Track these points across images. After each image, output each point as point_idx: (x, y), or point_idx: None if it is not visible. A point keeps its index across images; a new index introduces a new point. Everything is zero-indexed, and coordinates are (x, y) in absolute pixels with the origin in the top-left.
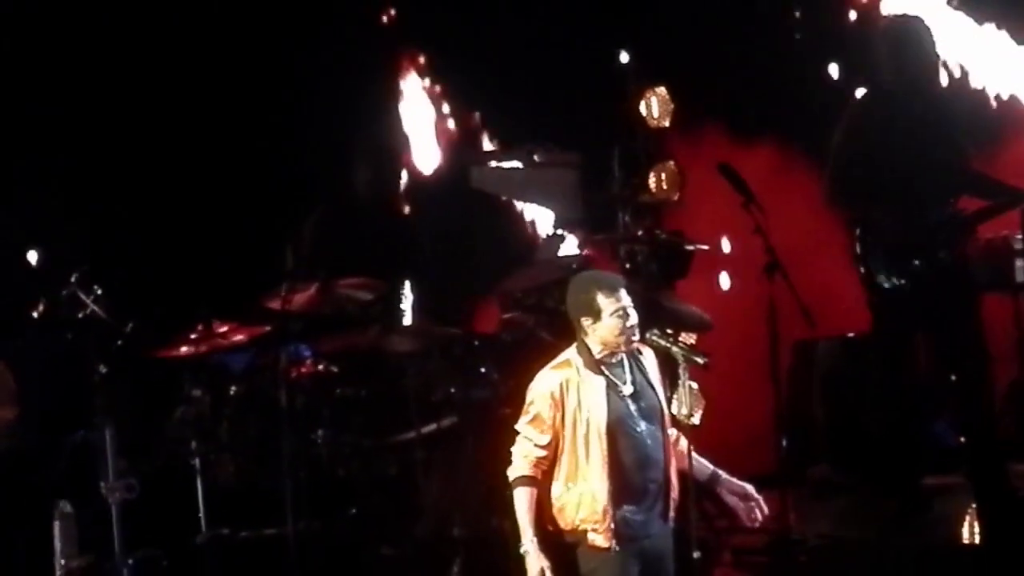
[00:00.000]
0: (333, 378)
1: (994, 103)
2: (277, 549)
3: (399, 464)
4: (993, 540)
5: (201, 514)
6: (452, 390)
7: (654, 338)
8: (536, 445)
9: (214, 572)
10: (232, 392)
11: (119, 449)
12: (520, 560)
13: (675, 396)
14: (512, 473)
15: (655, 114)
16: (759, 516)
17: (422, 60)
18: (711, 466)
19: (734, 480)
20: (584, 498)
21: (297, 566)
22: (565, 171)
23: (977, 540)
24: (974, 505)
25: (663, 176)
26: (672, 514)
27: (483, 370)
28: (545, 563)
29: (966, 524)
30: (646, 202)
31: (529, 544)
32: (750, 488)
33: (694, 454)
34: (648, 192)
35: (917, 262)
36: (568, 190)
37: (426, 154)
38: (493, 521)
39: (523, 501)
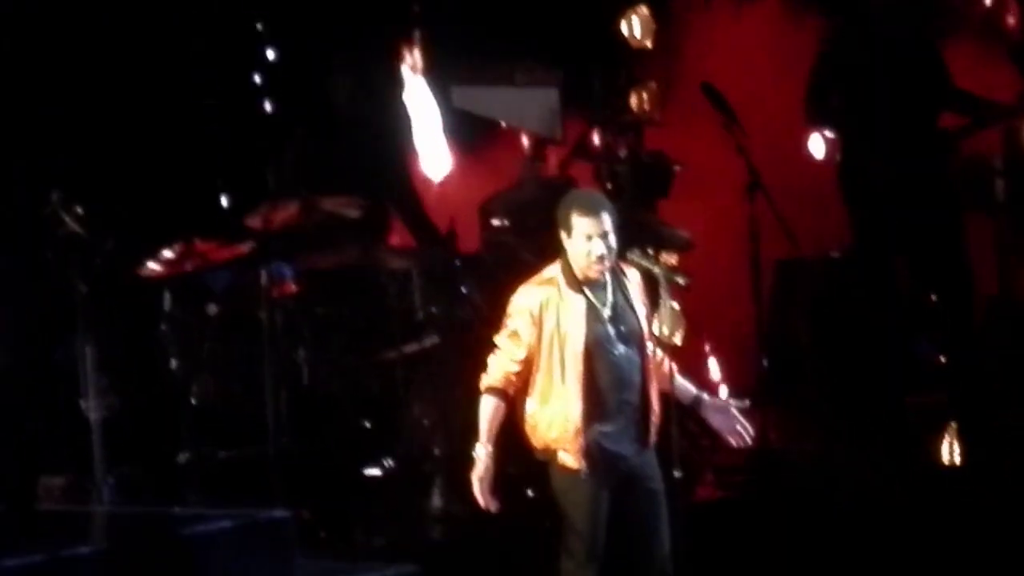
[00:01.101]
0: (315, 297)
1: None
2: (258, 468)
3: (381, 383)
4: (973, 460)
5: (181, 433)
6: (434, 310)
7: (635, 258)
8: (511, 360)
9: (195, 491)
10: (213, 311)
11: (99, 367)
12: (502, 477)
13: (656, 316)
14: (484, 381)
15: (637, 34)
16: (744, 435)
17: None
18: (694, 387)
19: (717, 399)
20: (557, 417)
21: (278, 485)
22: (546, 91)
23: (957, 460)
24: (954, 424)
25: (644, 96)
26: (652, 439)
27: (465, 290)
28: (483, 471)
29: (946, 444)
30: (628, 122)
31: (480, 449)
32: (734, 408)
33: (677, 375)
34: (629, 112)
35: (899, 182)
36: (549, 110)
37: (436, 159)
38: (475, 440)
39: (487, 409)
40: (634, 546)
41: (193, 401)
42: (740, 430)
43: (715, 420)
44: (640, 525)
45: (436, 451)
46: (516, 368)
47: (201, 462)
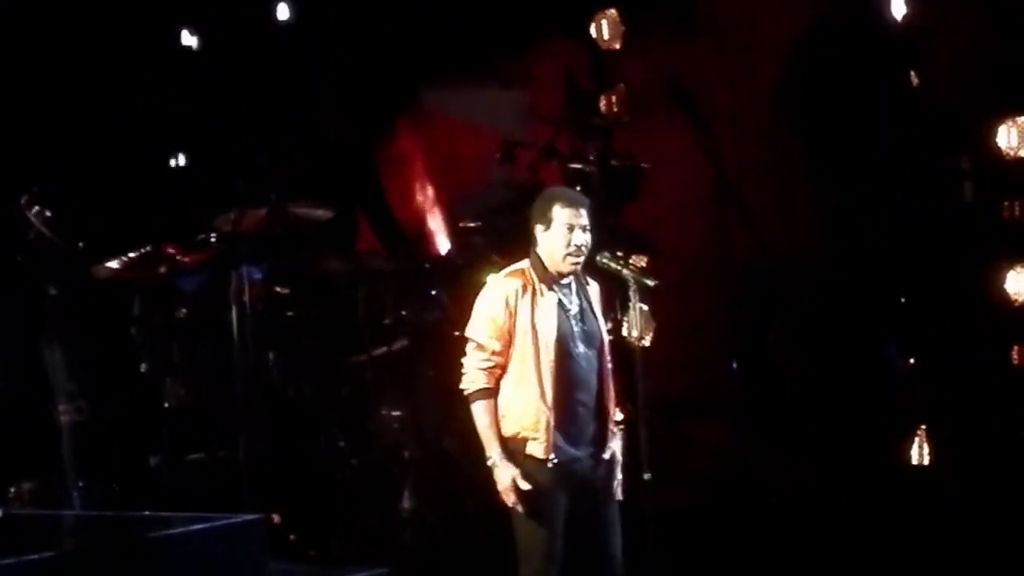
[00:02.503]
0: (284, 300)
1: None
2: (229, 472)
3: (351, 386)
4: (942, 462)
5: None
6: (403, 313)
7: (605, 260)
8: (492, 352)
9: (166, 494)
10: (182, 314)
11: (69, 371)
12: (472, 479)
13: (626, 318)
14: (469, 386)
15: (606, 36)
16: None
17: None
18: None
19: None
20: (528, 407)
21: (249, 489)
22: (516, 93)
23: (926, 462)
24: (924, 427)
25: (613, 98)
26: (608, 445)
27: (434, 293)
28: (515, 471)
29: (915, 446)
30: (597, 124)
31: (496, 456)
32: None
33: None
34: (599, 114)
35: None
36: (519, 111)
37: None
38: (445, 442)
39: (486, 414)
40: (586, 551)
41: (165, 404)
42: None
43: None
44: (593, 530)
45: (406, 453)
46: (497, 359)
47: (172, 466)
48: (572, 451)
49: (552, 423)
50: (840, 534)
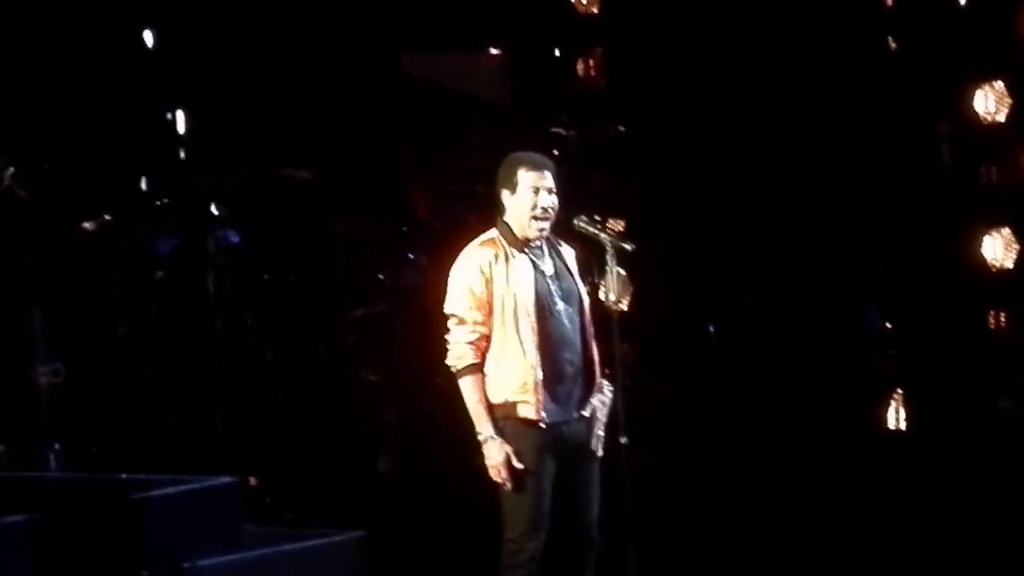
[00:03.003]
0: (262, 263)
1: None
2: (206, 434)
3: (328, 349)
4: (918, 426)
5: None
6: (381, 276)
7: (582, 224)
8: (474, 323)
9: (142, 457)
10: (159, 277)
11: (46, 334)
12: (451, 442)
13: (603, 283)
14: (456, 363)
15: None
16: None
17: None
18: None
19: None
20: (514, 371)
21: (225, 451)
22: (494, 56)
23: (902, 426)
24: (900, 391)
25: (591, 62)
26: (592, 399)
27: (412, 256)
28: (508, 448)
29: (891, 410)
30: (575, 88)
31: (488, 432)
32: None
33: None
34: (576, 79)
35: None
36: (498, 75)
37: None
38: (423, 405)
39: (475, 389)
40: (565, 512)
41: (141, 367)
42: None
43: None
44: (573, 491)
45: (384, 416)
46: (482, 331)
47: (148, 428)
48: (561, 411)
49: (540, 384)
50: (816, 497)
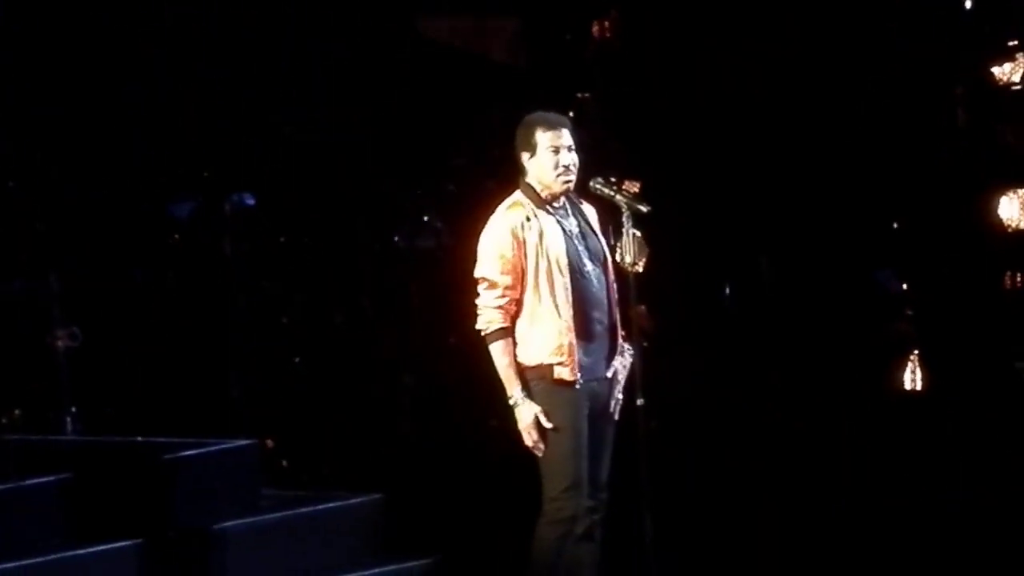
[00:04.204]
0: (278, 226)
1: None
2: (223, 398)
3: (345, 313)
4: (935, 387)
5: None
6: (396, 239)
7: (598, 186)
8: (506, 288)
9: (159, 422)
10: (175, 240)
11: (63, 298)
12: (472, 404)
13: (619, 245)
14: (487, 327)
15: None
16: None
17: None
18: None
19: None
20: (550, 333)
21: (243, 415)
22: (508, 19)
23: (919, 387)
24: (917, 352)
25: (606, 24)
26: (613, 362)
27: (426, 219)
28: (537, 409)
29: (908, 371)
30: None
31: (518, 395)
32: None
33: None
34: (592, 41)
35: None
36: (512, 38)
37: None
38: (440, 367)
39: (505, 353)
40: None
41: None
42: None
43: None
44: (594, 452)
45: (404, 379)
46: (512, 295)
47: (164, 391)
48: (592, 370)
49: (576, 344)
50: (833, 459)
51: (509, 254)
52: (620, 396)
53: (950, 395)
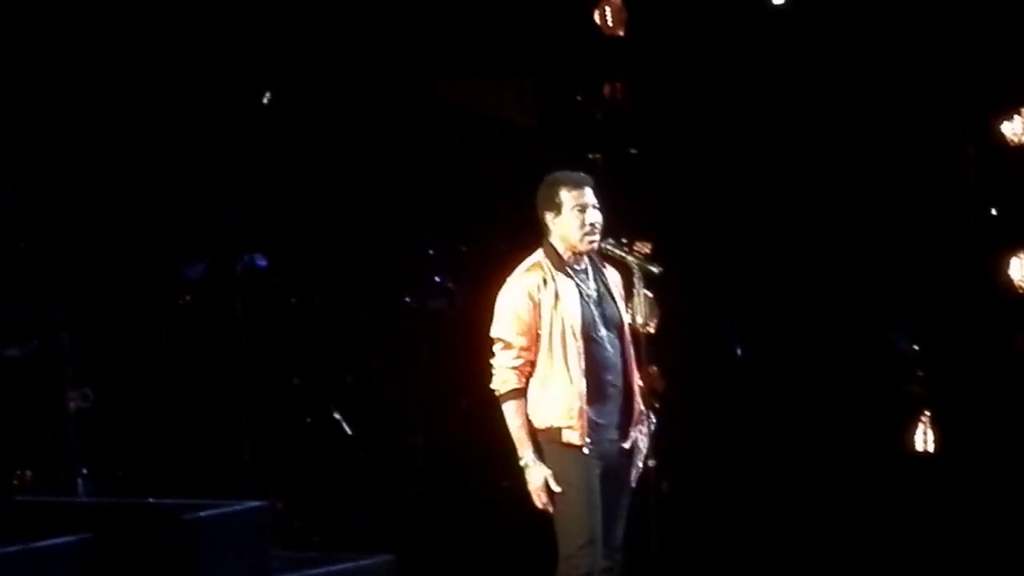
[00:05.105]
0: (287, 287)
1: None
2: (234, 459)
3: (354, 373)
4: (947, 449)
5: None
6: (407, 299)
7: (609, 247)
8: (521, 349)
9: (170, 483)
10: (187, 301)
11: (75, 359)
12: (482, 466)
13: (630, 305)
14: (500, 387)
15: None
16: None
17: None
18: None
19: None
20: (559, 397)
21: (254, 476)
22: (522, 78)
23: (931, 448)
24: (928, 413)
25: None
26: (632, 430)
27: (438, 279)
28: (547, 472)
29: (919, 432)
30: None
31: (529, 457)
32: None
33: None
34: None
35: None
36: (526, 98)
37: None
38: (452, 428)
39: (518, 415)
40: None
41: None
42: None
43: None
44: (606, 514)
45: (412, 440)
46: (527, 356)
47: (176, 452)
48: (602, 434)
49: (585, 409)
50: (843, 521)
51: (525, 316)
52: (641, 466)
53: (962, 456)
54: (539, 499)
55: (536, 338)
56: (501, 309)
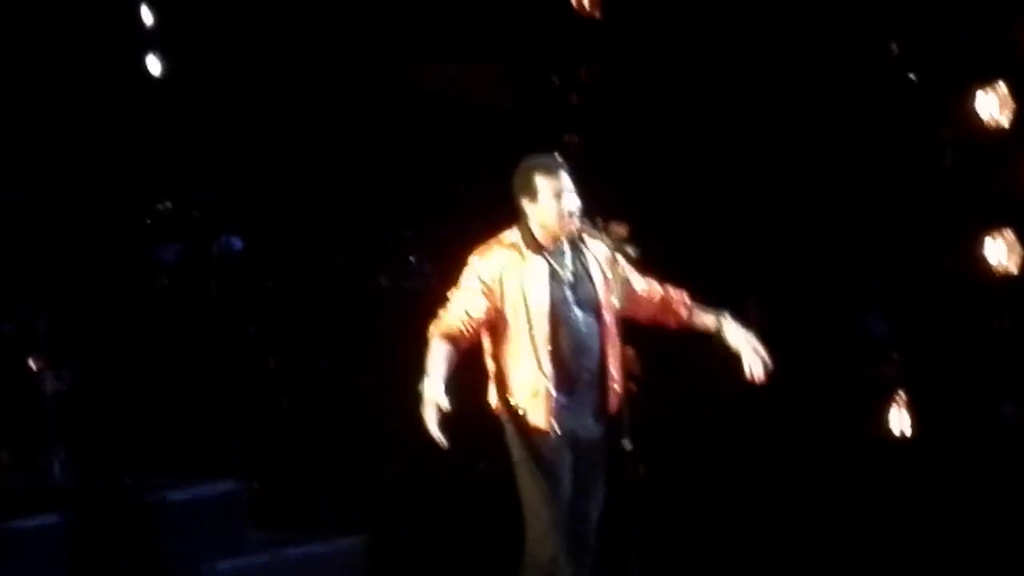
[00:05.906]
0: (264, 270)
1: None
2: (210, 440)
3: (331, 356)
4: (922, 432)
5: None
6: (383, 282)
7: (584, 230)
8: (467, 311)
9: (146, 463)
10: (163, 283)
11: (51, 341)
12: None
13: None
14: (436, 328)
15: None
16: (760, 372)
17: None
18: (712, 313)
19: (740, 328)
20: (525, 379)
21: (230, 457)
22: (493, 64)
23: (906, 432)
24: (903, 396)
25: (594, 68)
26: (609, 410)
27: (412, 260)
28: (441, 399)
29: (894, 415)
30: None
31: (428, 381)
32: (754, 340)
33: (693, 304)
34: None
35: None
36: (496, 83)
37: None
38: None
39: (437, 350)
40: (568, 515)
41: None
42: (759, 358)
43: (737, 344)
44: (578, 497)
45: (389, 425)
46: (469, 318)
47: (153, 434)
48: (576, 418)
49: (552, 392)
50: (822, 505)
51: (483, 289)
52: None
53: (936, 439)
54: (427, 424)
55: (490, 314)
56: (466, 275)
